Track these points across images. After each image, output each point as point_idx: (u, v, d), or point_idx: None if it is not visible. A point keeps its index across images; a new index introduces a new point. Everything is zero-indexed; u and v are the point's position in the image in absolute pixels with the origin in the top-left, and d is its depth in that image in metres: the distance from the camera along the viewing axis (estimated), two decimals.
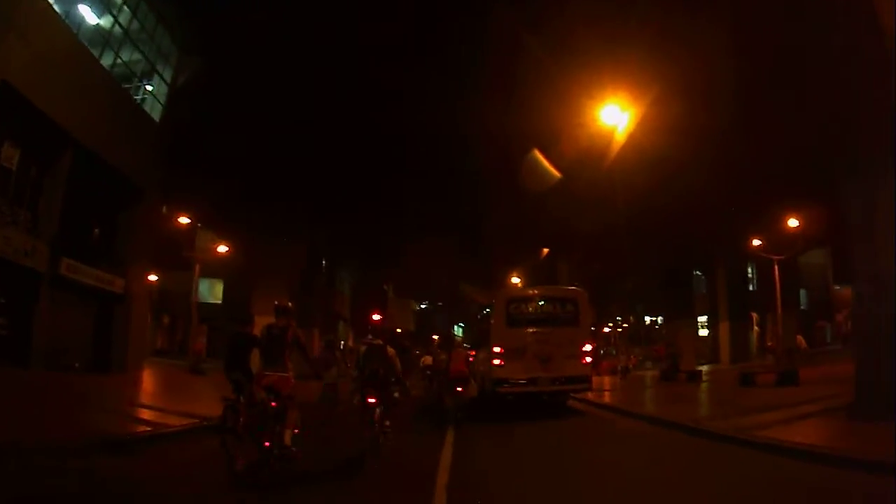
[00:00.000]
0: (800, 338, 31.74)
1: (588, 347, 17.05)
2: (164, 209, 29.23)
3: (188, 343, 51.17)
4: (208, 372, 28.77)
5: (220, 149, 28.42)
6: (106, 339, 23.07)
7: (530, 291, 18.48)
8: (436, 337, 49.43)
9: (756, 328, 42.65)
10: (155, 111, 25.27)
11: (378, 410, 9.76)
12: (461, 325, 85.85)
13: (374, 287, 62.58)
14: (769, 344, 32.04)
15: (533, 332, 16.57)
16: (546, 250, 43.42)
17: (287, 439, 8.23)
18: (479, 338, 22.77)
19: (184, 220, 30.13)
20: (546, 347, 16.33)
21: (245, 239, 37.69)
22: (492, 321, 17.49)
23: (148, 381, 23.05)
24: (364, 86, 28.56)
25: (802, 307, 46.02)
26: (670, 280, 42.65)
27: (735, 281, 41.17)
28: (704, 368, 34.16)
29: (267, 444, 8.06)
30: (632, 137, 26.23)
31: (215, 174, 28.72)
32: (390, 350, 10.54)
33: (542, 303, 17.40)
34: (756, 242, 31.74)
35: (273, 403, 8.27)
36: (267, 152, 30.23)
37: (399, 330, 56.47)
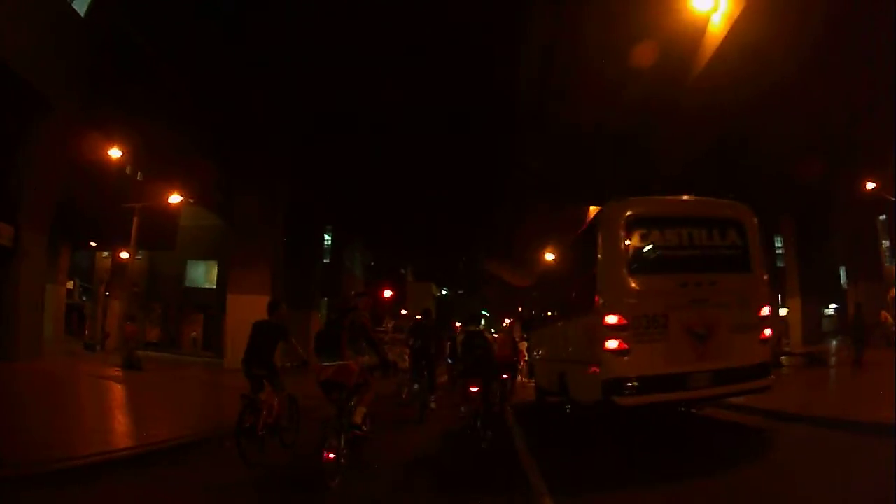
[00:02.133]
0: (885, 313, 23.90)
1: (766, 311, 8.68)
2: (110, 149, 21.16)
3: (182, 332, 44.72)
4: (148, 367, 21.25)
5: (181, 70, 20.25)
6: None
7: (669, 204, 9.38)
8: (458, 324, 41.01)
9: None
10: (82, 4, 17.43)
11: (480, 400, 9.13)
12: (485, 312, 78.39)
13: (391, 269, 54.53)
14: (882, 316, 23.78)
15: (682, 285, 8.24)
16: (594, 209, 32.62)
17: (358, 417, 7.21)
18: (548, 305, 14.05)
19: (115, 153, 21.41)
20: (704, 313, 8.09)
21: (214, 193, 29.70)
22: (597, 265, 8.65)
23: (26, 379, 14.47)
24: None
25: (842, 284, 37.45)
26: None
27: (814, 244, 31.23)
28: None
29: (331, 455, 6.48)
30: (733, 33, 18.06)
31: (170, 104, 20.64)
32: (489, 336, 9.93)
33: (690, 227, 8.65)
34: (870, 185, 23.82)
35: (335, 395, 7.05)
36: (243, 80, 21.39)
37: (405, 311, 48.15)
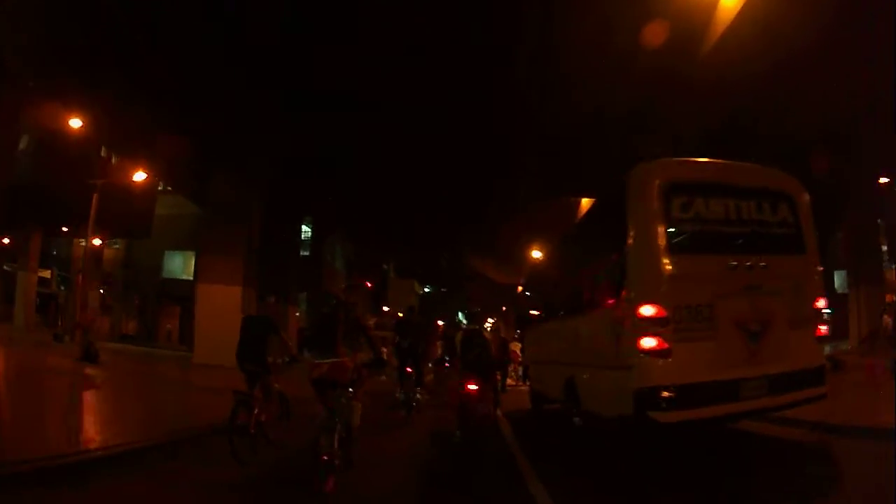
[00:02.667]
0: (887, 318, 22.97)
1: (822, 303, 7.24)
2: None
3: (159, 325, 43.04)
4: (108, 360, 18.94)
5: (155, 44, 18.60)
6: None
7: (711, 168, 7.63)
8: (441, 323, 39.86)
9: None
10: None
11: (478, 399, 8.89)
12: (465, 312, 77.20)
13: (373, 264, 53.25)
14: (885, 321, 22.79)
15: (731, 268, 6.73)
16: (586, 201, 31.07)
17: (356, 416, 6.91)
18: (549, 299, 12.23)
19: (76, 123, 19.54)
20: (758, 302, 6.67)
21: (190, 179, 28.00)
22: (626, 243, 6.95)
23: None
24: None
25: (837, 288, 37.33)
26: None
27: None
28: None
29: (325, 457, 5.98)
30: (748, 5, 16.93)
31: (144, 81, 18.99)
32: (487, 335, 10.12)
33: (736, 198, 7.11)
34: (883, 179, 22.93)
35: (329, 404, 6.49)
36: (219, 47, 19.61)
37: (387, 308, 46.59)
